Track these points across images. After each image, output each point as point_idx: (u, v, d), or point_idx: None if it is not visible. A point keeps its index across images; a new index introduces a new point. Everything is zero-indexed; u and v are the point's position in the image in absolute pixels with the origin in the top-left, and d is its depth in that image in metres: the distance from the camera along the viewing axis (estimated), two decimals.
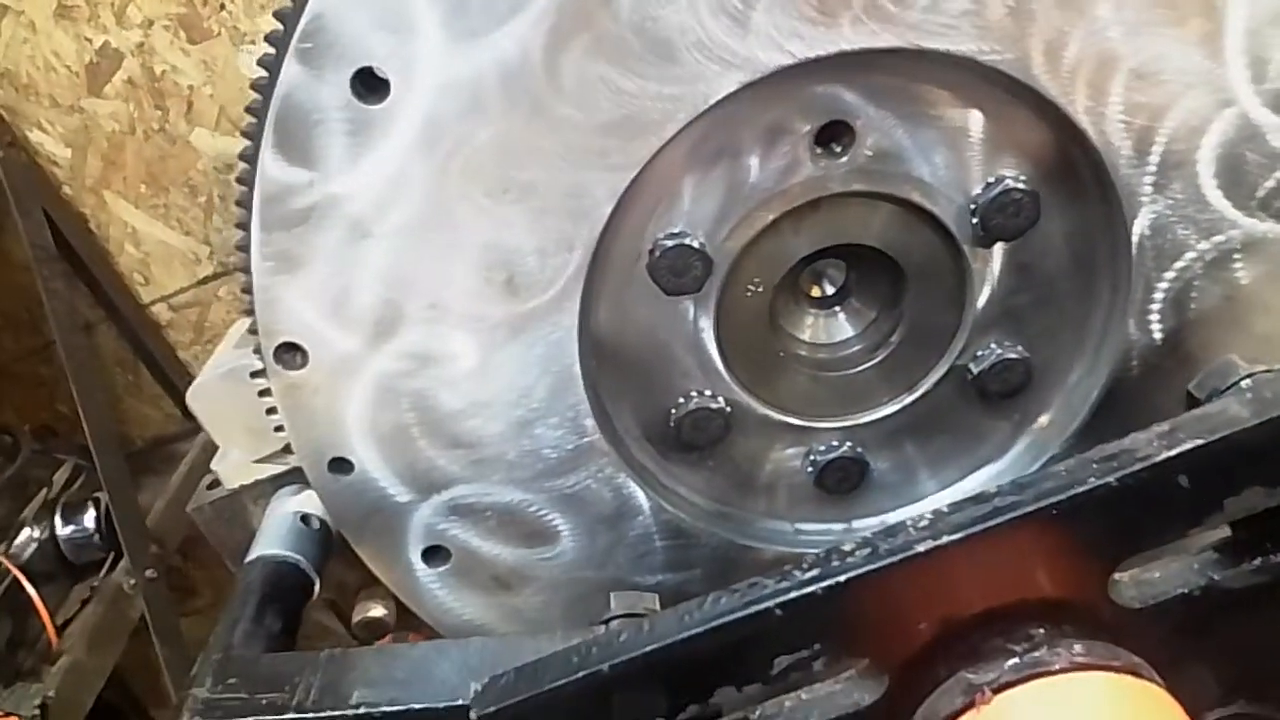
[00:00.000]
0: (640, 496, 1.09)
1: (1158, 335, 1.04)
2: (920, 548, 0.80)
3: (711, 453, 1.12)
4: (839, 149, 0.96)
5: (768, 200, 0.97)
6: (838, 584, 0.81)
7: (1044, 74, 0.90)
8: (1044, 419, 1.13)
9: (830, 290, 1.11)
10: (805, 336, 1.11)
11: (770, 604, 0.82)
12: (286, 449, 1.10)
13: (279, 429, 1.06)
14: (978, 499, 0.82)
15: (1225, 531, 0.89)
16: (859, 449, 1.12)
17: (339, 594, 1.25)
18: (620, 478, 1.07)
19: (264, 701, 0.94)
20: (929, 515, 0.82)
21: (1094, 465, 0.79)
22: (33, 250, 1.97)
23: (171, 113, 2.08)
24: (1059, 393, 1.11)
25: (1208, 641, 0.88)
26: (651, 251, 0.98)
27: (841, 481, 1.13)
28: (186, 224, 2.23)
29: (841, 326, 1.11)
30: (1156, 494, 0.79)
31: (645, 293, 1.01)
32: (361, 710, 0.91)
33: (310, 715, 0.91)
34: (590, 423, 1.03)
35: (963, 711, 0.83)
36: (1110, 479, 0.78)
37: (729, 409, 1.07)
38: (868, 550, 0.82)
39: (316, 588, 1.13)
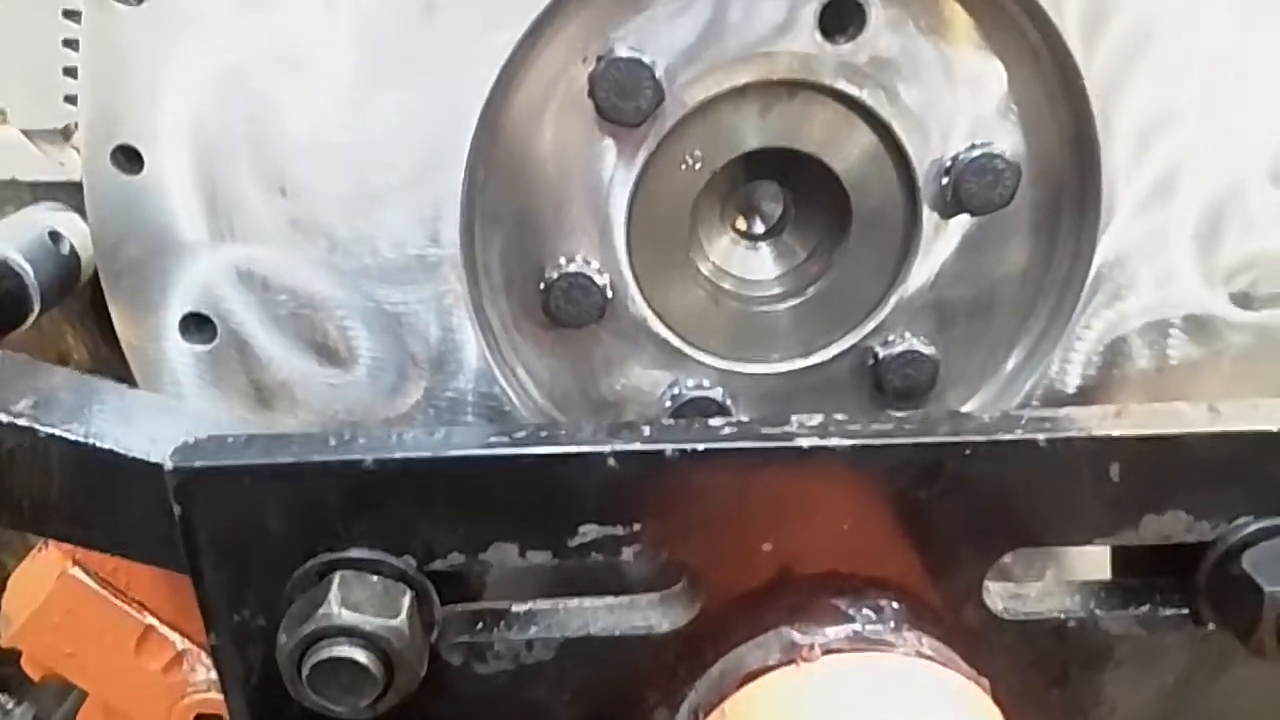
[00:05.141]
0: (471, 352, 0.90)
1: (1076, 383, 0.95)
2: (803, 443, 0.65)
3: (569, 341, 0.94)
4: (842, 35, 0.84)
5: (747, 58, 0.84)
6: (692, 451, 0.65)
7: (1073, 29, 0.82)
8: None
9: (762, 224, 0.98)
10: (718, 258, 0.97)
11: (606, 449, 0.64)
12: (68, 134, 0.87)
13: (70, 99, 0.84)
14: (881, 418, 0.68)
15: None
16: (728, 399, 0.96)
17: None
18: (458, 318, 0.88)
19: None
20: (820, 417, 0.67)
21: (1022, 419, 0.67)
22: None
23: None
24: None
25: (1055, 691, 0.75)
26: (601, 59, 0.82)
27: None
28: None
29: (762, 260, 0.97)
30: (1077, 478, 0.67)
31: (573, 110, 0.85)
32: (23, 423, 0.67)
33: None
34: (451, 234, 0.85)
35: (774, 669, 0.67)
36: (1038, 436, 0.65)
37: (610, 293, 0.91)
38: (738, 429, 0.66)
39: (31, 317, 0.87)
